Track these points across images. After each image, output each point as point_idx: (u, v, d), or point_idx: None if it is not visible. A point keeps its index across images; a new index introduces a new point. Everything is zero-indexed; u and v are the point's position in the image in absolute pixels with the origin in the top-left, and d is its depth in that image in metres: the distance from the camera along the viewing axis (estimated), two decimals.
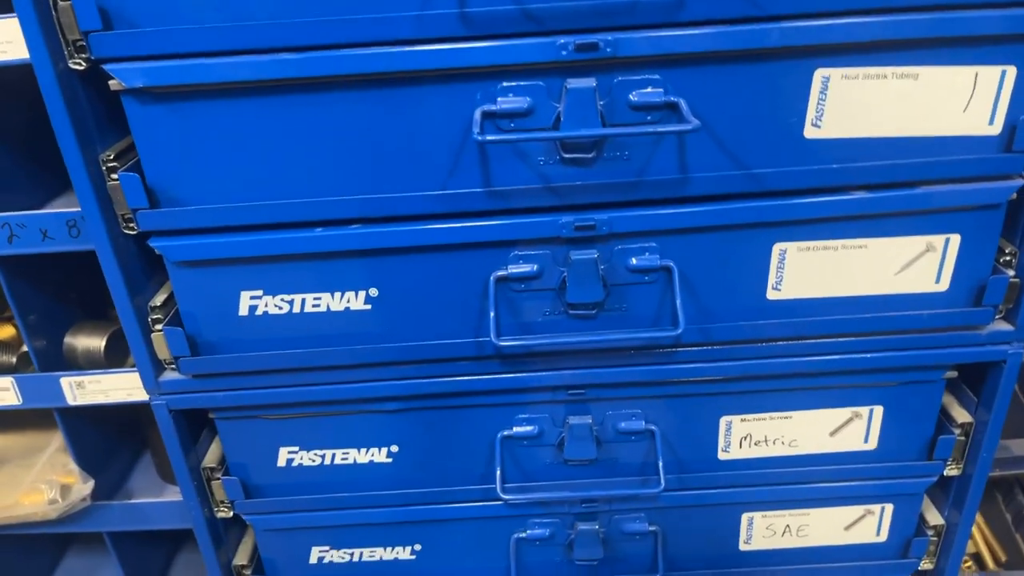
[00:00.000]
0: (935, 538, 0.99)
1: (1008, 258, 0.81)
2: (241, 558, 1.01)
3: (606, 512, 0.97)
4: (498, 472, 0.90)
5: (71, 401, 1.09)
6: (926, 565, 1.02)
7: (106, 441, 1.23)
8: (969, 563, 1.40)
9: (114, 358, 1.11)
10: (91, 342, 1.15)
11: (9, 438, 1.23)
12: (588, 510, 0.96)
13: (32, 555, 1.38)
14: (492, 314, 0.78)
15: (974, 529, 1.44)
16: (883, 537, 1.00)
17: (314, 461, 0.93)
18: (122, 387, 1.09)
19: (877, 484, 0.95)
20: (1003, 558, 1.39)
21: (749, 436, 0.92)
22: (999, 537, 1.42)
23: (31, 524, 1.15)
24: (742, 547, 1.00)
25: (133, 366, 0.93)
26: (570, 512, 0.96)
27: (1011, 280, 0.80)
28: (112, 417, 1.23)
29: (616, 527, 0.97)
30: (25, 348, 1.10)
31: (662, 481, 0.90)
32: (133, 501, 1.20)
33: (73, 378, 1.08)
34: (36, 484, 1.16)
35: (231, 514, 0.96)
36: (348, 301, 0.80)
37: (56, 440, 1.23)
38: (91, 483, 1.16)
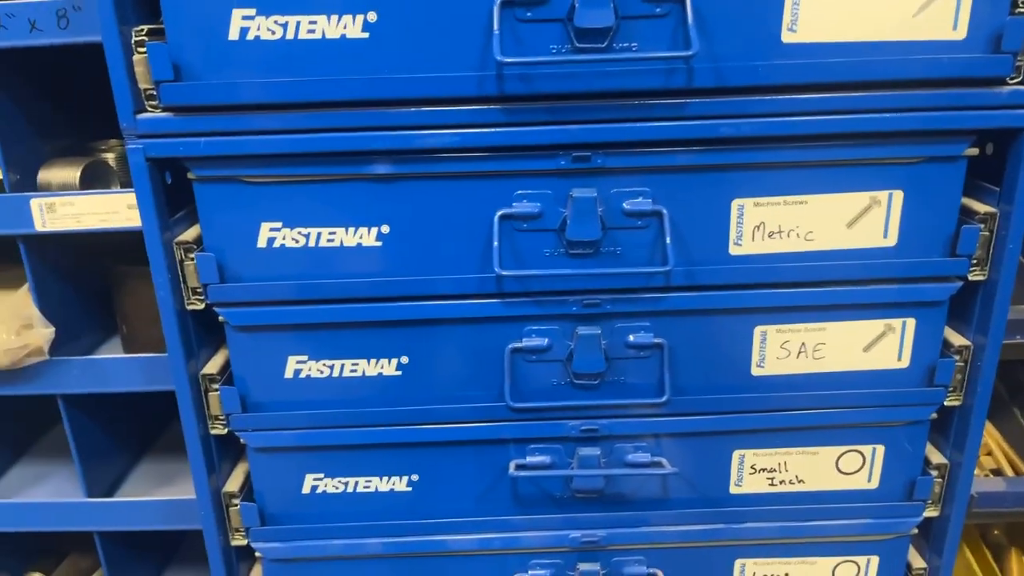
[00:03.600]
0: (961, 364, 0.92)
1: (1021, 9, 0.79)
2: (213, 368, 0.92)
3: (608, 316, 0.89)
4: (495, 249, 0.84)
5: (39, 227, 1.03)
6: (952, 400, 0.94)
7: (73, 300, 1.16)
8: (988, 473, 1.32)
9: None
10: (66, 174, 1.10)
11: None
12: (590, 311, 0.89)
13: None
14: (496, 31, 0.74)
15: (992, 443, 1.36)
16: (905, 362, 0.93)
17: (297, 242, 0.86)
18: (96, 211, 1.03)
19: (898, 289, 0.89)
20: None
21: (762, 225, 0.87)
22: (1020, 451, 1.34)
23: None
24: (755, 371, 0.93)
25: None
26: (569, 314, 0.89)
27: None
28: (82, 275, 1.17)
29: (619, 337, 0.90)
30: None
31: (670, 261, 0.84)
32: (94, 356, 1.11)
33: (44, 199, 1.02)
34: None
35: (202, 305, 0.88)
36: (345, 27, 0.77)
37: (19, 292, 1.15)
38: (52, 330, 1.08)
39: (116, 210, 1.02)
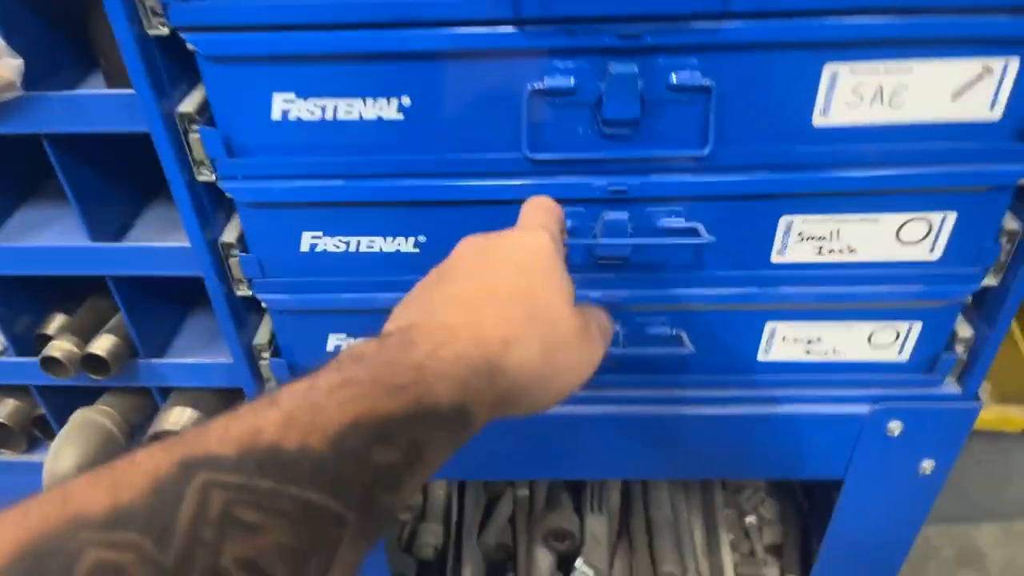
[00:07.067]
0: None
1: None
2: (190, 106, 0.81)
3: (648, 51, 0.74)
4: None
5: None
6: None
7: (46, 30, 1.02)
8: None
9: None
10: None
11: None
12: (627, 44, 0.73)
13: None
14: None
15: None
16: (998, 113, 0.78)
17: None
18: None
19: (1007, 21, 0.72)
20: None
21: None
22: None
23: None
24: (817, 121, 0.79)
25: None
26: (601, 47, 0.74)
27: None
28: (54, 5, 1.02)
29: (659, 77, 0.76)
30: None
31: None
32: (71, 92, 0.99)
33: None
34: None
35: (166, 30, 0.75)
36: None
37: None
38: (20, 61, 0.96)
39: None
